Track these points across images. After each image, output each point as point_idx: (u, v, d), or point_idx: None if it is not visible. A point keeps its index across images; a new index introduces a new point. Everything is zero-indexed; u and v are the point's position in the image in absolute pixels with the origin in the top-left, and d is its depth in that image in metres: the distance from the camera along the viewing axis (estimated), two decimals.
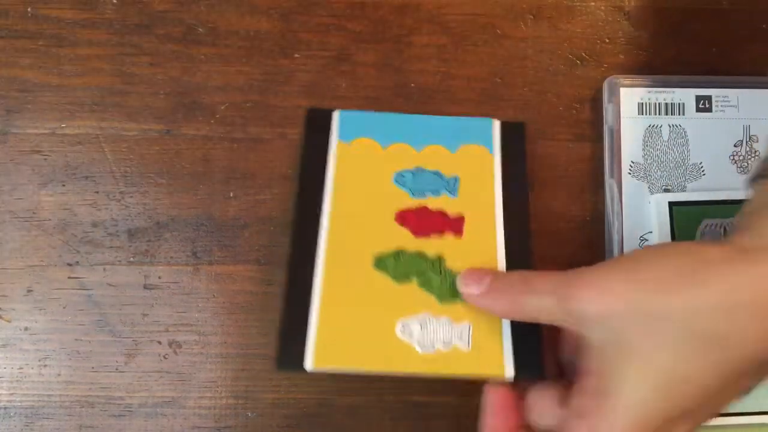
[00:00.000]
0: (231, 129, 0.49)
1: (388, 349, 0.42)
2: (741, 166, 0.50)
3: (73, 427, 0.46)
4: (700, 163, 0.50)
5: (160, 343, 0.47)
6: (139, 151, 0.49)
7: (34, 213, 0.48)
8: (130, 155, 0.49)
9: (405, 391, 0.48)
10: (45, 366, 0.47)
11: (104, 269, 0.48)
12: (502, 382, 0.42)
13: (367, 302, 0.43)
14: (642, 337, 0.34)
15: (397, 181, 0.47)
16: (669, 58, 0.52)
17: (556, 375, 0.42)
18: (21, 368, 0.47)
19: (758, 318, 0.33)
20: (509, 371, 0.41)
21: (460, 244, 0.45)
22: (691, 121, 0.50)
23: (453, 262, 0.44)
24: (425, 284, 0.44)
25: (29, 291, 0.47)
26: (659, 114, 0.50)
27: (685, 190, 0.50)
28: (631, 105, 0.50)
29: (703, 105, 0.50)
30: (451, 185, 0.47)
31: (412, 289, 0.44)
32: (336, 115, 0.48)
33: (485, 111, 0.51)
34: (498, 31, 0.52)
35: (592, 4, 0.53)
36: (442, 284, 0.44)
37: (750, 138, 0.50)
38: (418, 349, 0.42)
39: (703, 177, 0.50)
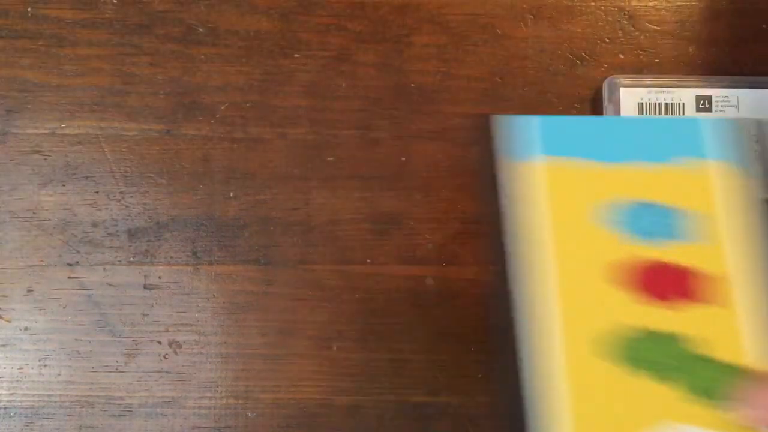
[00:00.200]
0: (231, 129, 0.49)
1: None
2: None
3: (73, 427, 0.46)
4: None
5: (160, 343, 0.47)
6: (139, 151, 0.49)
7: (34, 213, 0.48)
8: (130, 155, 0.49)
9: (405, 391, 0.48)
10: (45, 366, 0.47)
11: (104, 269, 0.48)
12: None
13: (585, 402, 0.31)
14: None
15: (608, 218, 0.33)
16: (669, 58, 0.52)
17: None
18: (21, 368, 0.47)
19: None
20: None
21: (724, 319, 0.31)
22: None
23: (715, 348, 0.31)
24: (672, 379, 0.31)
25: (29, 291, 0.47)
26: (659, 114, 0.50)
27: None
28: (631, 105, 0.50)
29: (703, 105, 0.50)
30: (690, 225, 0.33)
31: (649, 386, 0.31)
32: (514, 125, 0.37)
33: (485, 111, 0.51)
34: (498, 31, 0.52)
35: (592, 4, 0.52)
36: (701, 380, 0.30)
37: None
38: None
39: None
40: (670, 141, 0.34)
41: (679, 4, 0.53)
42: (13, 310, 0.47)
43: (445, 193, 0.50)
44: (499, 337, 0.35)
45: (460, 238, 0.50)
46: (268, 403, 0.47)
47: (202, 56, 0.50)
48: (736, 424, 0.29)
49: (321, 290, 0.48)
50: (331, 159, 0.50)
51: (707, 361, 0.30)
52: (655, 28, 0.53)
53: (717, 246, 0.32)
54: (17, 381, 0.46)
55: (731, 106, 0.50)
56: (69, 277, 0.47)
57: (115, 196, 0.48)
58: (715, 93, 0.51)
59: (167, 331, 0.47)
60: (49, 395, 0.47)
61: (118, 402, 0.47)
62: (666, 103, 0.50)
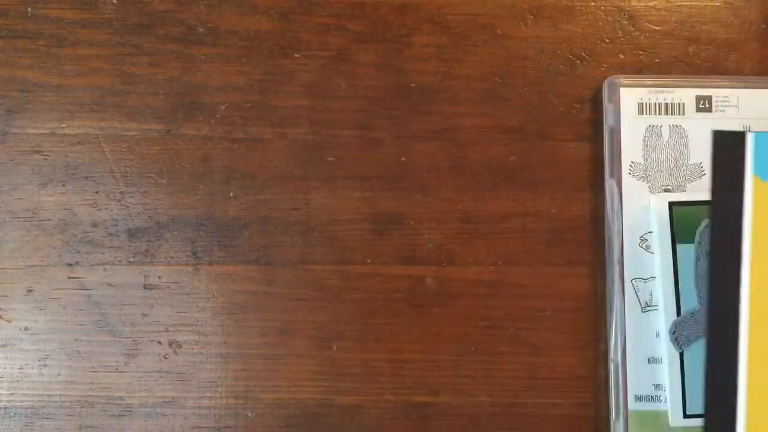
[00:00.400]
0: (231, 129, 0.49)
1: None
2: None
3: (73, 427, 0.46)
4: (700, 163, 0.50)
5: (160, 343, 0.47)
6: (139, 151, 0.49)
7: (34, 213, 0.48)
8: (130, 155, 0.49)
9: (405, 391, 0.48)
10: (45, 366, 0.47)
11: (104, 269, 0.48)
12: None
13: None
14: None
15: None
16: (669, 58, 0.52)
17: None
18: (21, 368, 0.47)
19: None
20: None
21: None
22: (691, 121, 0.50)
23: None
24: None
25: (29, 291, 0.47)
26: (659, 114, 0.50)
27: (685, 190, 0.50)
28: (631, 105, 0.50)
29: (703, 105, 0.50)
30: None
31: None
32: (750, 139, 0.36)
33: (485, 111, 0.51)
34: (498, 31, 0.52)
35: (592, 4, 0.52)
36: None
37: None
38: None
39: (703, 177, 0.50)
40: None
41: (679, 4, 0.53)
42: (13, 310, 0.47)
43: (445, 193, 0.50)
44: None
45: (460, 238, 0.50)
46: (268, 403, 0.47)
47: (202, 56, 0.50)
48: None
49: (321, 290, 0.48)
50: (331, 159, 0.50)
51: None
52: (655, 28, 0.53)
53: None
54: (17, 381, 0.47)
55: (731, 106, 0.50)
56: (69, 277, 0.47)
57: (115, 196, 0.48)
58: (715, 93, 0.51)
59: (167, 331, 0.47)
60: (49, 395, 0.47)
61: (118, 402, 0.47)
62: (666, 103, 0.50)
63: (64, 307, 0.47)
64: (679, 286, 0.47)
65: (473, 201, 0.50)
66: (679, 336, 0.48)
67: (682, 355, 0.48)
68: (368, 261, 0.49)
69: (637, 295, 0.49)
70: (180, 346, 0.47)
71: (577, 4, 0.52)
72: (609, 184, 0.50)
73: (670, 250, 0.49)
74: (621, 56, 0.52)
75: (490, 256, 0.50)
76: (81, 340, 0.47)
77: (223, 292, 0.48)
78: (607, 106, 0.51)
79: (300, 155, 0.49)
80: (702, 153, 0.50)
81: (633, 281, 0.49)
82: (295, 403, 0.47)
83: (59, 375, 0.47)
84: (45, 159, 0.48)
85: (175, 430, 0.47)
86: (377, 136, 0.50)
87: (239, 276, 0.48)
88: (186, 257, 0.48)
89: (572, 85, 0.52)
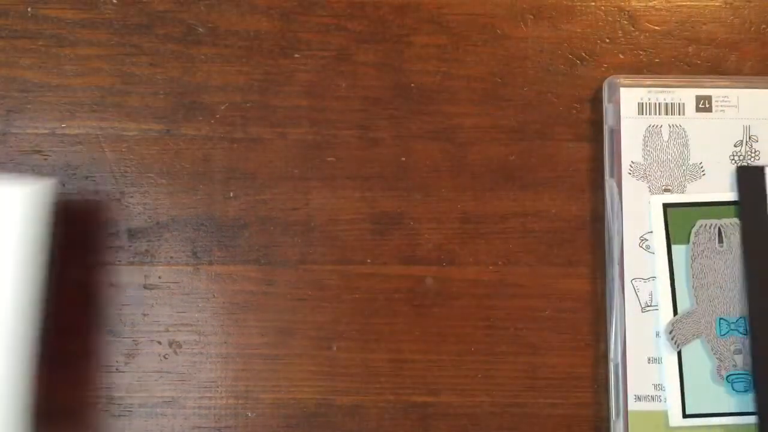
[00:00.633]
0: (231, 129, 0.49)
1: None
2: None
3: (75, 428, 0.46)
4: (700, 163, 0.50)
5: (160, 343, 0.47)
6: (139, 151, 0.49)
7: None
8: (130, 155, 0.49)
9: (405, 391, 0.48)
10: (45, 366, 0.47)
11: (104, 269, 0.48)
12: None
13: None
14: None
15: None
16: (669, 58, 0.52)
17: None
18: None
19: None
20: None
21: None
22: (691, 121, 0.50)
23: None
24: None
25: None
26: (659, 114, 0.50)
27: (685, 190, 0.50)
28: (631, 105, 0.50)
29: (703, 105, 0.50)
30: None
31: None
32: None
33: (485, 111, 0.51)
34: (498, 31, 0.52)
35: (592, 4, 0.52)
36: None
37: (750, 138, 0.50)
38: None
39: (703, 177, 0.50)
40: None
41: (679, 4, 0.53)
42: None
43: (445, 193, 0.50)
44: None
45: (460, 238, 0.50)
46: (268, 403, 0.47)
47: (202, 56, 0.50)
48: None
49: (321, 290, 0.48)
50: (331, 159, 0.50)
51: None
52: (655, 28, 0.53)
53: None
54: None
55: (731, 106, 0.50)
56: (69, 277, 0.47)
57: (115, 196, 0.48)
58: (715, 93, 0.51)
59: (167, 331, 0.47)
60: (49, 395, 0.47)
61: (118, 402, 0.47)
62: (666, 103, 0.50)
63: (64, 307, 0.47)
64: (675, 286, 0.47)
65: (473, 201, 0.50)
66: (676, 335, 0.48)
67: (681, 355, 0.48)
68: (368, 261, 0.49)
69: (637, 295, 0.49)
70: (180, 346, 0.47)
71: (577, 4, 0.52)
72: (609, 184, 0.50)
73: (666, 251, 0.49)
74: (621, 56, 0.52)
75: (490, 256, 0.50)
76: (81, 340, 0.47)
77: (223, 292, 0.48)
78: (607, 106, 0.51)
79: (300, 155, 0.49)
80: (702, 153, 0.50)
81: (633, 281, 0.49)
82: (295, 403, 0.47)
83: (59, 375, 0.47)
84: (45, 159, 0.48)
85: (175, 430, 0.47)
86: (377, 136, 0.50)
87: (239, 276, 0.48)
88: (186, 257, 0.48)
89: (572, 85, 0.52)
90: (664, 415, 0.48)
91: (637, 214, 0.49)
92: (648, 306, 0.48)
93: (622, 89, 0.50)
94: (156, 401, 0.47)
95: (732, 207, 0.49)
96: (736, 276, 0.49)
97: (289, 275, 0.48)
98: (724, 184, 0.50)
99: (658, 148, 0.50)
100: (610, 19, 0.52)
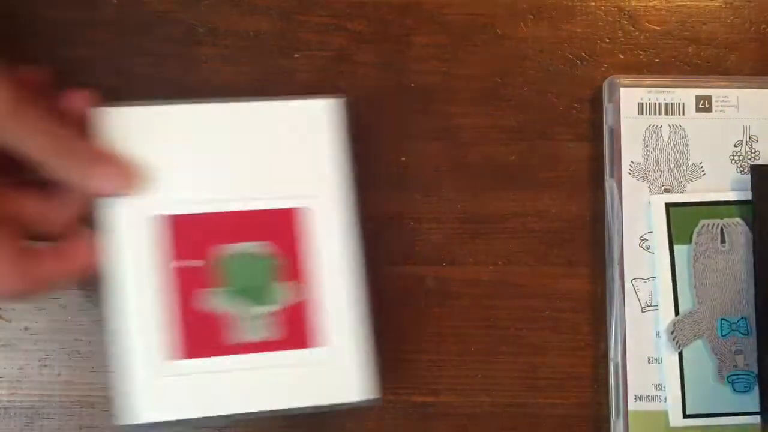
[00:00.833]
0: None
1: None
2: (741, 166, 0.50)
3: (73, 427, 0.46)
4: (700, 163, 0.50)
5: None
6: None
7: None
8: None
9: (405, 391, 0.48)
10: (45, 366, 0.47)
11: None
12: None
13: None
14: None
15: None
16: (669, 58, 0.52)
17: None
18: (21, 368, 0.47)
19: None
20: None
21: None
22: (691, 121, 0.50)
23: None
24: None
25: None
26: (659, 114, 0.50)
27: (685, 190, 0.50)
28: (631, 105, 0.50)
29: (703, 105, 0.50)
30: None
31: None
32: None
33: (485, 111, 0.51)
34: (498, 31, 0.52)
35: (592, 4, 0.52)
36: None
37: (750, 138, 0.50)
38: None
39: (703, 177, 0.50)
40: None
41: (679, 4, 0.53)
42: (13, 310, 0.47)
43: (445, 193, 0.50)
44: None
45: (460, 238, 0.50)
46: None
47: (202, 56, 0.50)
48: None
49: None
50: None
51: None
52: (655, 28, 0.53)
53: None
54: (17, 381, 0.47)
55: (731, 106, 0.50)
56: None
57: None
58: (715, 93, 0.51)
59: None
60: (49, 395, 0.47)
61: None
62: (666, 103, 0.50)
63: (64, 307, 0.47)
64: (677, 287, 0.47)
65: (473, 201, 0.50)
66: (677, 336, 0.48)
67: (681, 355, 0.48)
68: (369, 261, 0.49)
69: (637, 295, 0.49)
70: None
71: (577, 4, 0.52)
72: (609, 184, 0.50)
73: (668, 251, 0.49)
74: (621, 56, 0.52)
75: (490, 256, 0.50)
76: (81, 340, 0.47)
77: None
78: (607, 106, 0.51)
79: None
80: (702, 153, 0.50)
81: (633, 281, 0.49)
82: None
83: (59, 375, 0.47)
84: None
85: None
86: (377, 136, 0.50)
87: None
88: None
89: (572, 85, 0.52)
90: (665, 415, 0.48)
91: (637, 214, 0.49)
92: (648, 306, 0.48)
93: (622, 89, 0.50)
94: None
95: (733, 207, 0.49)
96: (738, 276, 0.49)
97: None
98: (724, 184, 0.50)
99: (658, 148, 0.50)
100: (610, 19, 0.52)
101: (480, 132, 0.51)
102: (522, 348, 0.49)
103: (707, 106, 0.50)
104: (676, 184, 0.49)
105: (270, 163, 0.44)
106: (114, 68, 0.50)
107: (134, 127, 0.42)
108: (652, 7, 0.53)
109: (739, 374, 0.49)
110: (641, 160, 0.50)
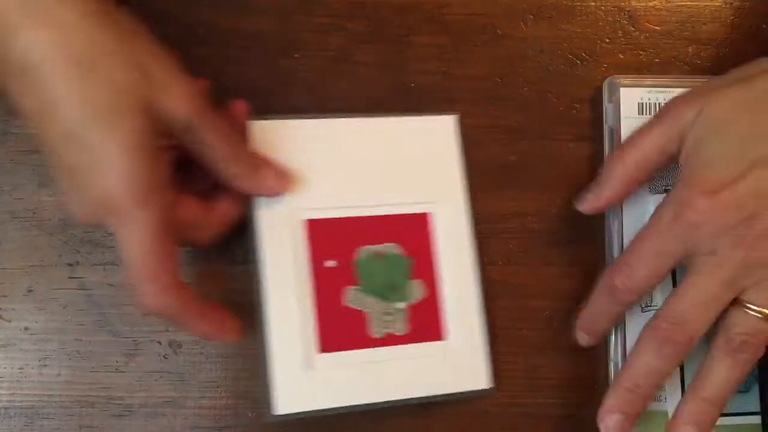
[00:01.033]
0: None
1: None
2: None
3: (73, 427, 0.46)
4: None
5: (160, 343, 0.47)
6: None
7: (34, 213, 0.48)
8: None
9: None
10: (45, 366, 0.47)
11: (104, 269, 0.48)
12: None
13: None
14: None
15: None
16: (669, 58, 0.52)
17: None
18: (21, 368, 0.47)
19: None
20: None
21: None
22: None
23: None
24: None
25: (29, 291, 0.47)
26: None
27: None
28: (632, 105, 0.50)
29: None
30: None
31: None
32: None
33: (485, 111, 0.51)
34: (498, 31, 0.52)
35: (592, 4, 0.53)
36: None
37: None
38: None
39: None
40: None
41: (679, 4, 0.53)
42: (13, 310, 0.47)
43: None
44: None
45: None
46: (268, 403, 0.47)
47: (202, 56, 0.50)
48: None
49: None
50: None
51: None
52: (655, 28, 0.53)
53: None
54: (17, 381, 0.46)
55: None
56: (69, 277, 0.47)
57: None
58: None
59: (167, 331, 0.47)
60: (49, 395, 0.47)
61: (118, 402, 0.47)
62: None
63: (64, 307, 0.47)
64: (677, 286, 0.47)
65: (473, 201, 0.50)
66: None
67: None
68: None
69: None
70: (180, 346, 0.47)
71: (577, 4, 0.52)
72: None
73: None
74: (621, 56, 0.52)
75: (490, 256, 0.50)
76: (81, 340, 0.47)
77: (223, 292, 0.48)
78: (607, 107, 0.51)
79: None
80: None
81: None
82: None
83: (59, 375, 0.47)
84: (45, 159, 0.48)
85: (175, 430, 0.47)
86: None
87: (239, 276, 0.48)
88: (186, 257, 0.48)
89: (572, 85, 0.52)
90: (665, 415, 0.48)
91: (638, 214, 0.49)
92: (648, 306, 0.48)
93: (622, 89, 0.50)
94: (156, 401, 0.47)
95: None
96: None
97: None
98: None
99: None
100: (610, 19, 0.53)
101: (480, 132, 0.51)
102: (522, 348, 0.49)
103: None
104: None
105: (400, 173, 0.48)
106: None
107: (283, 139, 0.47)
108: (652, 7, 0.53)
109: None
110: None
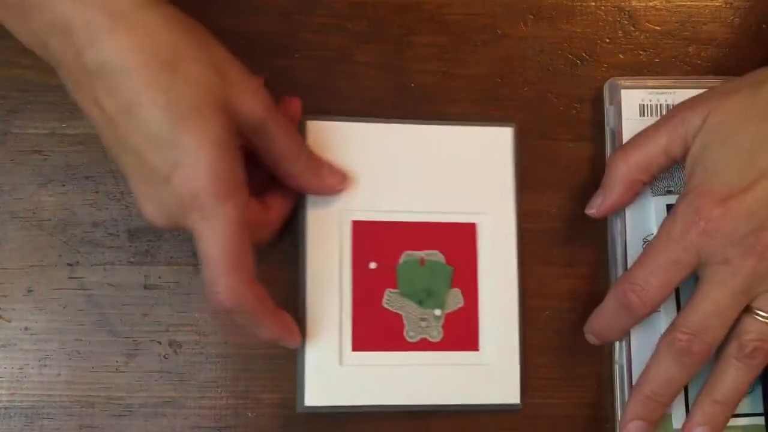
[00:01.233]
0: None
1: None
2: None
3: (74, 427, 0.46)
4: None
5: (160, 343, 0.47)
6: None
7: (34, 213, 0.48)
8: None
9: None
10: (45, 366, 0.47)
11: (104, 269, 0.48)
12: None
13: None
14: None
15: None
16: (669, 58, 0.52)
17: None
18: (21, 368, 0.47)
19: None
20: None
21: None
22: None
23: None
24: None
25: (29, 291, 0.47)
26: (661, 115, 0.50)
27: None
28: (633, 107, 0.50)
29: None
30: None
31: None
32: None
33: (485, 111, 0.51)
34: (498, 31, 0.52)
35: (592, 4, 0.53)
36: None
37: None
38: None
39: None
40: None
41: (679, 4, 0.53)
42: (13, 310, 0.47)
43: None
44: None
45: None
46: (268, 403, 0.47)
47: None
48: None
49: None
50: None
51: None
52: (655, 28, 0.53)
53: None
54: (17, 381, 0.46)
55: None
56: (69, 277, 0.47)
57: (115, 196, 0.48)
58: None
59: (167, 331, 0.47)
60: (49, 395, 0.46)
61: (118, 402, 0.47)
62: (667, 104, 0.50)
63: (64, 307, 0.47)
64: (680, 288, 0.47)
65: None
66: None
67: None
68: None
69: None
70: (180, 346, 0.47)
71: (577, 4, 0.52)
72: None
73: None
74: (621, 56, 0.52)
75: None
76: (81, 340, 0.47)
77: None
78: (608, 108, 0.51)
79: None
80: None
81: None
82: (295, 403, 0.47)
83: (59, 375, 0.47)
84: (45, 159, 0.48)
85: (175, 430, 0.47)
86: None
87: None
88: (186, 257, 0.48)
89: (572, 85, 0.52)
90: (668, 416, 0.48)
91: (640, 216, 0.49)
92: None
93: (623, 91, 0.50)
94: (156, 401, 0.47)
95: None
96: None
97: (289, 275, 0.48)
98: None
99: None
100: (610, 19, 0.52)
101: None
102: (522, 348, 0.49)
103: None
104: (678, 185, 0.49)
105: (451, 181, 0.49)
106: None
107: (337, 140, 0.48)
108: (652, 7, 0.53)
109: None
110: None
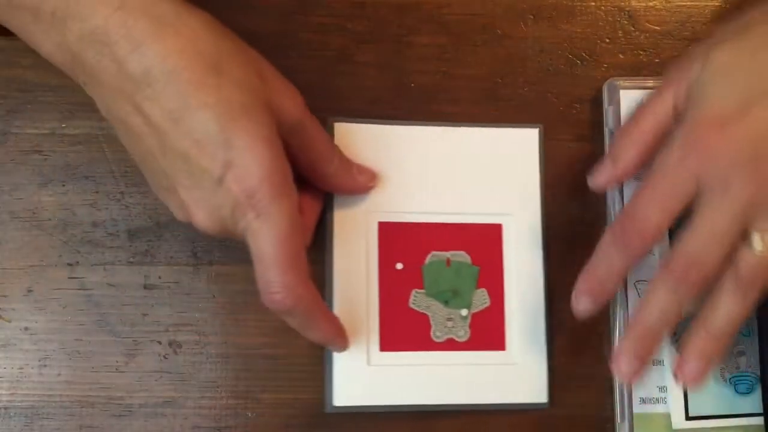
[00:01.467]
0: None
1: None
2: None
3: (74, 427, 0.46)
4: None
5: (160, 343, 0.47)
6: None
7: (34, 213, 0.48)
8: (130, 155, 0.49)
9: None
10: (45, 366, 0.47)
11: (104, 269, 0.48)
12: None
13: None
14: None
15: None
16: (669, 58, 0.52)
17: None
18: (21, 368, 0.47)
19: None
20: None
21: None
22: None
23: None
24: None
25: (29, 291, 0.47)
26: None
27: None
28: (632, 107, 0.50)
29: None
30: None
31: None
32: None
33: (485, 111, 0.51)
34: (498, 31, 0.52)
35: (592, 4, 0.53)
36: None
37: None
38: None
39: None
40: None
41: (679, 4, 0.53)
42: (13, 310, 0.47)
43: None
44: None
45: None
46: (268, 403, 0.47)
47: None
48: None
49: (322, 290, 0.48)
50: None
51: None
52: (655, 28, 0.53)
53: None
54: (17, 381, 0.46)
55: None
56: (69, 277, 0.47)
57: (115, 196, 0.48)
58: None
59: (167, 331, 0.47)
60: (49, 395, 0.46)
61: (118, 402, 0.47)
62: None
63: (64, 307, 0.47)
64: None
65: None
66: (680, 338, 0.48)
67: None
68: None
69: (641, 297, 0.49)
70: (180, 346, 0.47)
71: (577, 4, 0.52)
72: None
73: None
74: (621, 56, 0.52)
75: None
76: (81, 340, 0.47)
77: (223, 292, 0.48)
78: (607, 109, 0.51)
79: None
80: None
81: (636, 283, 0.49)
82: (295, 403, 0.47)
83: (59, 375, 0.47)
84: (45, 159, 0.48)
85: (175, 430, 0.47)
86: None
87: (239, 276, 0.48)
88: (186, 257, 0.48)
89: (572, 85, 0.52)
90: (668, 417, 0.48)
91: None
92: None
93: (622, 91, 0.50)
94: (156, 401, 0.47)
95: None
96: None
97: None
98: None
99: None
100: (610, 19, 0.53)
101: None
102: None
103: None
104: None
105: (477, 183, 0.49)
106: None
107: (365, 141, 0.48)
108: (652, 7, 0.53)
109: (741, 376, 0.49)
110: None
